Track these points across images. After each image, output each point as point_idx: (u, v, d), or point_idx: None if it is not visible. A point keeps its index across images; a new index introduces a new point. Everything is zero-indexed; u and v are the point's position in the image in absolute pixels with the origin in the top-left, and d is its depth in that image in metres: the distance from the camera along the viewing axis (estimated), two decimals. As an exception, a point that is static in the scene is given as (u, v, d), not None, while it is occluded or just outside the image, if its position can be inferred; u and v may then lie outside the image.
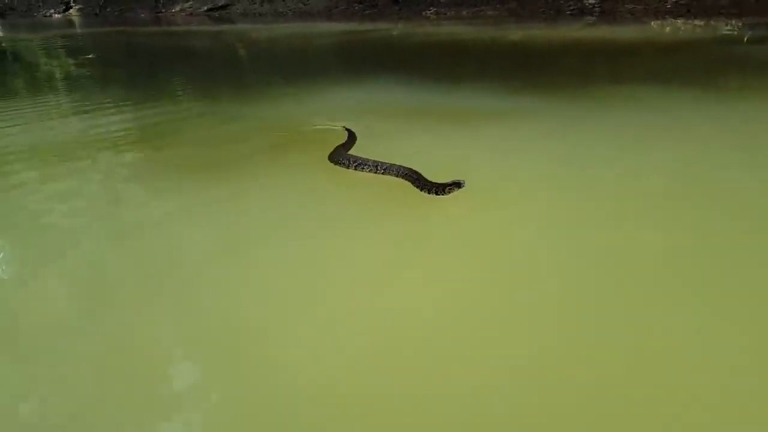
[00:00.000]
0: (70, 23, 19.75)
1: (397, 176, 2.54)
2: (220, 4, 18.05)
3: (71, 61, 8.55)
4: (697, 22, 10.00)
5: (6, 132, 3.65)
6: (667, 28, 9.50)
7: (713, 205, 2.15)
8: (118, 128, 3.63)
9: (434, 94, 4.45)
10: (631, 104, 3.80)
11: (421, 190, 2.35)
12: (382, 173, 2.58)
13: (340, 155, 2.73)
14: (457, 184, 2.26)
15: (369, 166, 2.62)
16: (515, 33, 9.41)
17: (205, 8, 18.33)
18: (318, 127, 3.41)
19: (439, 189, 2.30)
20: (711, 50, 6.88)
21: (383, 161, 2.61)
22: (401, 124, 3.39)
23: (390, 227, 2.09)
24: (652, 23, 10.13)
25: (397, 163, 2.56)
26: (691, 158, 2.69)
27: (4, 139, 3.45)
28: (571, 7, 10.95)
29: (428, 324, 1.48)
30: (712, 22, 9.71)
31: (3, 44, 12.61)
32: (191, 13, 18.43)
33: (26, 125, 3.86)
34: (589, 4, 10.79)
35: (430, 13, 12.78)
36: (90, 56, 9.01)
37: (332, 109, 3.85)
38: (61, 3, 25.35)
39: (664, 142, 2.94)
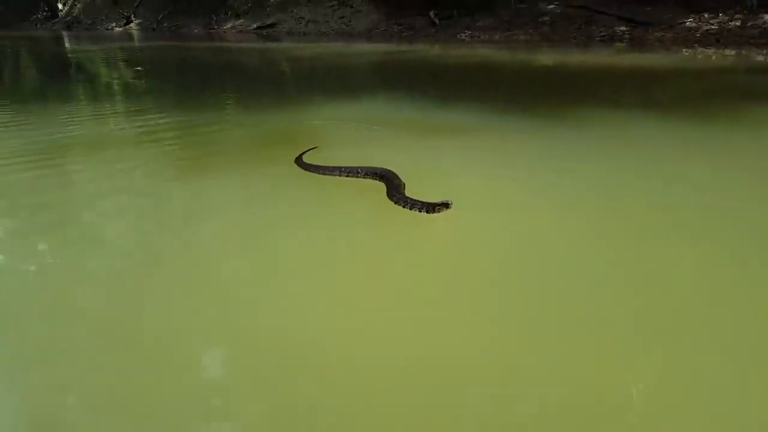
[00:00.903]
0: (129, 36, 21.13)
1: (365, 177, 2.80)
2: (268, 23, 19.05)
3: (127, 71, 9.39)
4: (727, 51, 10.13)
5: (65, 129, 4.30)
6: (699, 56, 9.66)
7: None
8: (167, 131, 4.21)
9: (462, 113, 4.77)
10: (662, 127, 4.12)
11: (404, 206, 2.42)
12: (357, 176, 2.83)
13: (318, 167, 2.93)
14: (446, 204, 2.32)
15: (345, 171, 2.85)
16: (547, 57, 9.73)
17: (254, 26, 19.37)
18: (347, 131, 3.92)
19: (429, 208, 2.36)
20: (742, 79, 7.09)
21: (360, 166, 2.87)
22: (434, 141, 3.75)
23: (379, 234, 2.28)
24: (684, 51, 10.29)
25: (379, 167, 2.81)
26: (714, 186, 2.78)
27: (61, 134, 4.10)
28: (602, 34, 11.24)
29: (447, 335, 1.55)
30: (743, 52, 9.83)
31: (68, 55, 13.71)
32: (241, 31, 19.49)
33: (83, 124, 4.52)
34: (620, 31, 11.06)
35: (465, 36, 13.27)
36: (140, 68, 9.83)
37: (359, 120, 4.35)
38: (122, 17, 27.08)
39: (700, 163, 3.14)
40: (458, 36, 13.52)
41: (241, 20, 20.69)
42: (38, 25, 34.65)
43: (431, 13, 15.29)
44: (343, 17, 17.52)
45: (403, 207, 2.42)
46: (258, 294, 1.80)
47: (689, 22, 10.92)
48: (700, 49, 10.19)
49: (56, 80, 8.96)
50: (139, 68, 9.75)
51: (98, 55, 13.05)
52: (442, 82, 7.32)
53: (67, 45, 17.67)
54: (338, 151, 3.34)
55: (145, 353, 1.48)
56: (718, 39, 10.14)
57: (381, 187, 2.68)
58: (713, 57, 9.29)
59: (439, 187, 2.61)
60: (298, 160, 3.11)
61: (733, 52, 9.80)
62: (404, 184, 2.63)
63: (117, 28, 26.12)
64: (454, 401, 1.29)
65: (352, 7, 17.93)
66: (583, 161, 3.19)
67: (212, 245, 2.19)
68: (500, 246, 2.11)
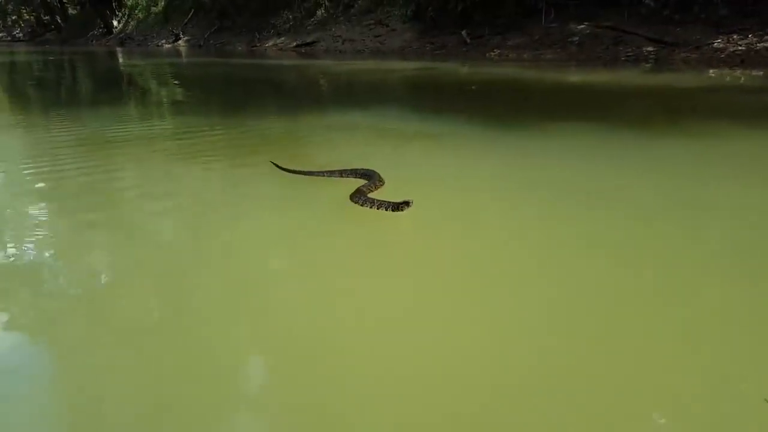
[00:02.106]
0: (177, 52, 22.33)
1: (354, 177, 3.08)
2: (307, 41, 19.88)
3: (173, 83, 10.13)
4: (755, 72, 10.19)
5: (115, 131, 4.89)
6: (727, 78, 9.78)
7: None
8: (208, 137, 4.75)
9: (490, 129, 5.10)
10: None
11: (370, 207, 2.64)
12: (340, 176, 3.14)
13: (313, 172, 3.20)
14: (406, 203, 2.53)
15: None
16: (575, 76, 10.00)
17: (294, 44, 20.23)
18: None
19: (396, 206, 2.57)
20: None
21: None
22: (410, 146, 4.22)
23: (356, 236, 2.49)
24: (710, 72, 10.40)
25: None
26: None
27: (111, 133, 4.69)
28: (628, 54, 11.45)
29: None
30: (769, 73, 9.89)
31: (120, 68, 14.71)
32: (282, 48, 20.38)
33: (132, 130, 5.12)
34: (646, 51, 11.24)
35: (494, 55, 13.65)
36: (185, 81, 10.57)
37: (381, 131, 4.80)
38: (171, 35, 28.53)
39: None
40: (487, 55, 13.91)
41: (283, 38, 21.62)
42: (94, 41, 36.71)
43: (463, 32, 15.74)
44: (378, 36, 18.16)
45: (370, 208, 2.64)
46: (294, 295, 1.91)
47: (717, 43, 11.03)
48: (727, 70, 10.28)
49: (108, 89, 9.76)
50: (184, 81, 10.49)
51: (148, 68, 14.00)
52: (461, 98, 7.72)
53: (120, 59, 18.87)
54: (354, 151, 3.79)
55: (180, 351, 1.57)
56: (743, 60, 10.23)
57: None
58: (741, 78, 9.40)
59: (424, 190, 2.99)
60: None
61: (760, 73, 9.87)
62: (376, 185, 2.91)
63: (166, 45, 27.55)
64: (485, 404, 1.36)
65: (387, 26, 18.57)
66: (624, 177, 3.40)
67: (249, 244, 2.36)
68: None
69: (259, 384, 1.47)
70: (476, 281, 2.01)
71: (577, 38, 13.19)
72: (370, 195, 2.80)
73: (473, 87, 8.71)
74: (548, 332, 1.66)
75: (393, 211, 2.57)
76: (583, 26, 13.49)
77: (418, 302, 1.85)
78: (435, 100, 7.72)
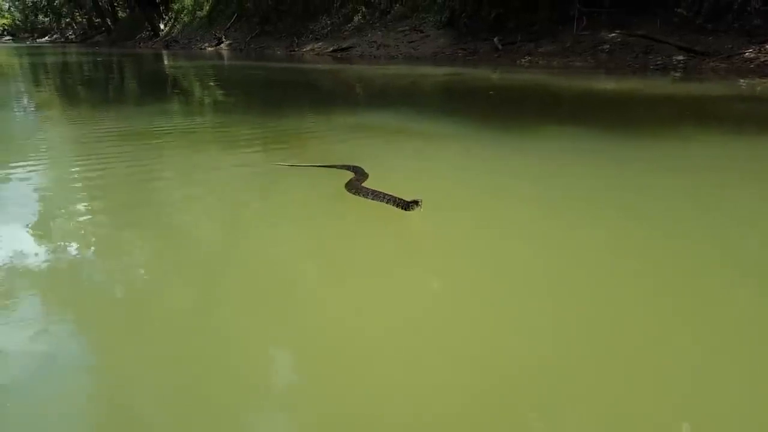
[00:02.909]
0: (219, 55, 23.27)
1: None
2: (343, 47, 20.47)
3: (215, 84, 10.77)
4: (786, 82, 10.17)
5: (158, 127, 5.43)
6: (758, 88, 9.81)
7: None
8: (247, 133, 5.24)
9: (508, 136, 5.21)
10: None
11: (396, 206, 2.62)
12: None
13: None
14: (416, 203, 2.52)
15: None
16: (606, 84, 10.13)
17: (331, 49, 20.85)
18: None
19: (406, 205, 2.57)
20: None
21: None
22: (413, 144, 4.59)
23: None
24: (741, 81, 10.42)
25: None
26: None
27: (155, 129, 5.22)
28: (657, 62, 11.54)
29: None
30: (803, 82, 9.86)
31: (166, 70, 15.55)
32: (318, 53, 21.03)
33: (176, 126, 5.66)
34: (675, 60, 11.32)
35: (524, 62, 13.89)
36: (226, 82, 11.19)
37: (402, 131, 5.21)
38: (214, 38, 29.62)
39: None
40: (518, 61, 14.16)
41: (320, 43, 22.29)
42: (141, 44, 38.27)
43: (496, 39, 16.02)
44: (412, 41, 18.59)
45: (374, 199, 2.70)
46: (324, 293, 1.99)
47: (748, 53, 11.03)
48: (757, 80, 10.29)
49: (153, 89, 10.46)
50: (224, 82, 11.13)
51: (191, 70, 14.80)
52: (483, 102, 8.05)
53: (165, 61, 19.85)
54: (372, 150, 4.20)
55: (212, 345, 1.63)
56: (773, 70, 10.24)
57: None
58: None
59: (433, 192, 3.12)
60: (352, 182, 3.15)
61: (791, 82, 9.87)
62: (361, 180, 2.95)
63: (209, 48, 28.64)
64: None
65: (422, 32, 18.98)
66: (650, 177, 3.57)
67: (280, 243, 2.45)
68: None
69: (287, 379, 1.52)
70: (503, 282, 2.06)
71: (607, 46, 13.31)
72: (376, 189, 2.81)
73: (491, 93, 9.04)
74: (591, 336, 1.69)
75: (403, 209, 2.56)
76: (614, 34, 13.60)
77: (445, 301, 1.90)
78: (459, 103, 8.08)
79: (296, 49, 22.99)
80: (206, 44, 29.83)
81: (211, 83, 11.16)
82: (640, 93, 8.76)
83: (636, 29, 13.36)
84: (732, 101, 7.95)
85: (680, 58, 11.63)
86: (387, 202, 2.66)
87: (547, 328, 1.72)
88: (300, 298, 1.94)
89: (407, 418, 1.33)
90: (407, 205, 2.54)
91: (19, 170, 3.76)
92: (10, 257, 2.27)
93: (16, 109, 7.40)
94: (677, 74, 11.07)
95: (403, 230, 2.59)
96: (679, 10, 12.79)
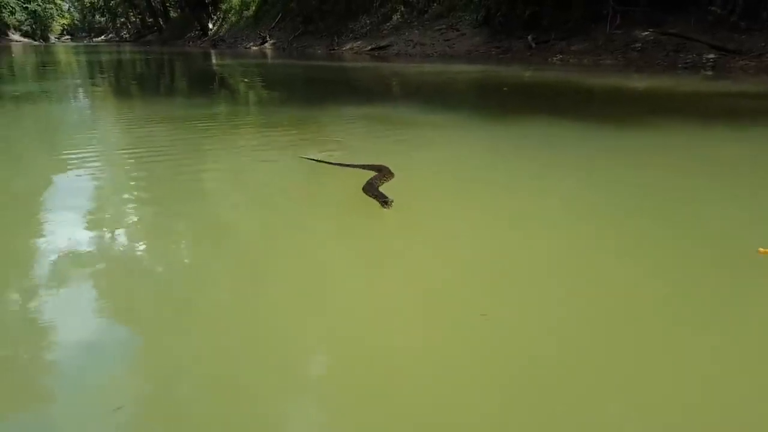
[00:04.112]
0: (263, 54, 24.29)
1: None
2: (381, 45, 21.08)
3: (259, 80, 11.54)
4: (816, 79, 10.14)
5: (205, 121, 6.10)
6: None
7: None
8: (285, 129, 5.80)
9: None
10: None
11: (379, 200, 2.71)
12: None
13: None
14: (385, 201, 2.64)
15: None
16: (639, 82, 10.27)
17: (369, 48, 21.51)
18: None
19: (384, 202, 2.66)
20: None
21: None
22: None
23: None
24: (771, 79, 10.41)
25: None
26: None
27: (202, 123, 5.89)
28: (687, 61, 11.64)
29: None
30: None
31: (213, 67, 16.51)
32: (357, 52, 21.71)
33: (220, 121, 6.33)
34: (705, 58, 11.40)
35: (556, 60, 14.14)
36: (267, 78, 11.93)
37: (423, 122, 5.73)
38: (259, 38, 30.78)
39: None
40: (549, 59, 14.42)
41: (359, 42, 22.96)
42: (190, 43, 39.92)
43: (529, 37, 16.28)
44: (447, 40, 19.02)
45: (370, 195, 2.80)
46: (361, 289, 2.01)
47: (780, 51, 11.01)
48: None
49: (201, 84, 11.31)
50: (267, 79, 11.88)
51: (237, 68, 15.72)
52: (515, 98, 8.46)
53: (212, 59, 20.93)
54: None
55: (252, 338, 1.67)
56: (804, 68, 10.22)
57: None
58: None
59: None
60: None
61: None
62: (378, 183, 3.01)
63: (254, 47, 29.78)
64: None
65: (458, 30, 19.38)
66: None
67: (319, 238, 2.51)
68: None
69: (323, 372, 1.55)
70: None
71: (639, 44, 13.43)
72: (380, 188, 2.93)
73: (505, 88, 9.45)
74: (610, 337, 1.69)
75: (381, 204, 2.66)
76: (647, 33, 13.69)
77: (483, 299, 1.90)
78: (487, 99, 8.52)
79: (336, 48, 23.76)
80: (251, 43, 31.00)
81: (253, 80, 11.95)
82: (674, 90, 8.98)
83: (670, 27, 13.41)
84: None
85: (711, 56, 11.69)
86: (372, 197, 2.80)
87: (574, 328, 1.73)
88: (335, 291, 1.99)
89: (448, 416, 1.34)
90: (385, 203, 2.65)
91: (74, 160, 3.97)
92: (63, 245, 2.34)
93: (73, 103, 8.18)
94: (708, 72, 11.14)
95: (433, 224, 2.66)
96: (713, 8, 12.78)
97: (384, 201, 2.64)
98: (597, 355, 1.58)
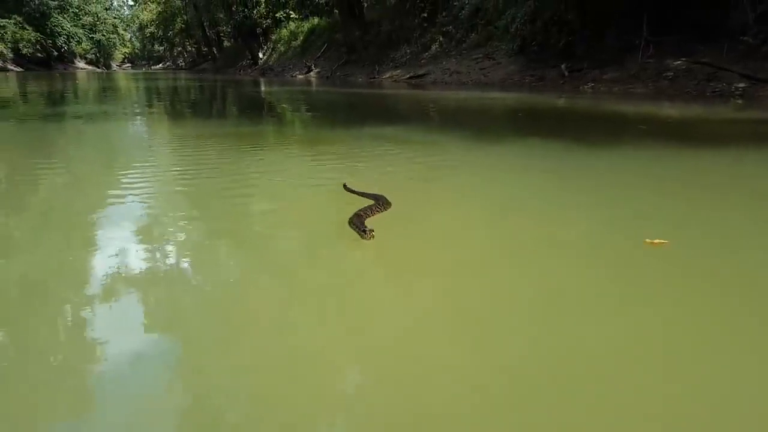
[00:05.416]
0: (308, 82, 25.52)
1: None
2: (418, 73, 21.86)
3: (304, 106, 12.37)
4: None
5: (249, 140, 6.79)
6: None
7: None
8: (326, 151, 6.39)
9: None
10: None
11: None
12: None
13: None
14: (365, 232, 2.63)
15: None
16: (669, 110, 10.43)
17: (407, 76, 22.32)
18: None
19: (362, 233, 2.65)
20: None
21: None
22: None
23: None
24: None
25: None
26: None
27: (246, 140, 6.56)
28: (715, 90, 11.80)
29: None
30: None
31: (261, 95, 17.58)
32: (395, 80, 22.56)
33: (262, 143, 7.00)
34: (734, 87, 11.54)
35: (587, 88, 14.47)
36: (311, 104, 12.75)
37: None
38: (304, 66, 32.24)
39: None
40: (581, 88, 14.75)
41: (399, 71, 23.84)
42: (241, 71, 41.99)
43: (563, 66, 16.66)
44: (483, 69, 19.60)
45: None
46: (394, 306, 2.06)
47: (812, 80, 11.04)
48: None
49: (250, 109, 12.22)
50: (311, 105, 12.73)
51: (284, 94, 16.77)
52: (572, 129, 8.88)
53: (261, 87, 22.20)
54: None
55: (288, 351, 1.73)
56: (833, 97, 10.23)
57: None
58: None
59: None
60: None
61: None
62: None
63: (299, 75, 31.21)
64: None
65: (493, 59, 19.94)
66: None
67: (355, 257, 2.57)
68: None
69: (355, 386, 1.60)
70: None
71: (671, 73, 13.62)
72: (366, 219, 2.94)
73: (519, 114, 9.88)
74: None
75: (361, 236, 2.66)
76: (679, 62, 13.88)
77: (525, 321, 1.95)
78: (521, 124, 8.98)
79: (376, 77, 24.72)
80: (297, 72, 32.48)
81: (302, 106, 12.83)
82: (706, 118, 9.20)
83: (701, 57, 13.56)
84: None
85: (741, 85, 11.80)
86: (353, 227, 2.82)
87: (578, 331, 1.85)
88: (373, 308, 2.05)
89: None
90: (364, 233, 2.65)
91: (128, 178, 4.28)
92: (114, 260, 2.48)
93: (130, 124, 9.06)
94: (738, 101, 11.22)
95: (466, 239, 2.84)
96: (745, 38, 12.89)
97: (363, 231, 2.64)
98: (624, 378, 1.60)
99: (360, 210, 3.03)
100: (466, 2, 23.37)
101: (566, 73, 16.37)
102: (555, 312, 1.99)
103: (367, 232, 2.60)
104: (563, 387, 1.54)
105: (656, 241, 2.54)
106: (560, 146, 6.13)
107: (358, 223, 2.76)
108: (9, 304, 2.09)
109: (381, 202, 3.24)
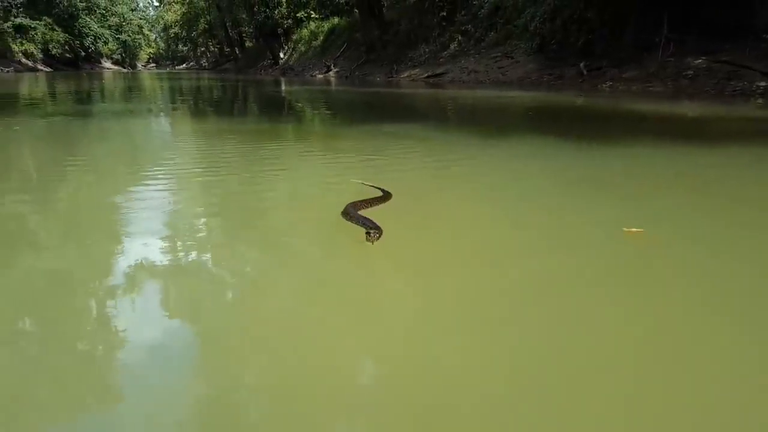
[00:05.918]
0: (327, 81, 25.81)
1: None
2: (436, 72, 21.96)
3: (322, 104, 12.58)
4: None
5: (269, 138, 6.99)
6: None
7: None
8: (343, 150, 6.52)
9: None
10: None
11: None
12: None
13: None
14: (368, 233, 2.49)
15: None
16: (691, 109, 10.40)
17: (425, 75, 22.43)
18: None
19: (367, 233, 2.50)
20: None
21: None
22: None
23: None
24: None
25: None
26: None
27: (266, 139, 6.76)
28: (735, 89, 11.70)
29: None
30: None
31: (282, 94, 17.88)
32: (413, 79, 22.68)
33: (288, 141, 7.21)
34: (755, 86, 11.43)
35: (606, 87, 14.43)
36: (329, 102, 12.96)
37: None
38: (324, 66, 32.55)
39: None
40: (599, 86, 14.71)
41: (417, 70, 23.96)
42: (262, 71, 42.50)
43: (582, 64, 16.60)
44: (501, 67, 19.61)
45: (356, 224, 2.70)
46: (411, 306, 2.04)
47: (835, 78, 10.87)
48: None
49: (271, 107, 12.48)
50: (329, 103, 12.93)
51: (303, 93, 17.04)
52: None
53: (282, 86, 22.52)
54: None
55: (310, 355, 1.69)
56: None
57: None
58: None
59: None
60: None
61: None
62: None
63: (319, 75, 31.52)
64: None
65: (512, 57, 19.94)
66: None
67: (378, 259, 2.48)
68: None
69: (372, 384, 1.59)
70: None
71: (690, 72, 13.50)
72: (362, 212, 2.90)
73: (530, 112, 9.96)
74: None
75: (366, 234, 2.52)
76: (699, 61, 13.75)
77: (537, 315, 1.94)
78: (534, 122, 9.05)
79: (394, 76, 24.87)
80: (317, 71, 32.80)
81: (320, 104, 13.05)
82: (726, 116, 9.12)
83: (723, 56, 13.42)
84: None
85: (762, 83, 11.67)
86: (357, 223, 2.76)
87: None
88: (393, 306, 2.05)
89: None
90: (368, 234, 2.52)
91: (151, 174, 4.35)
92: (137, 254, 2.51)
93: (154, 124, 9.22)
94: (759, 100, 11.11)
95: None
96: (765, 35, 12.74)
97: (368, 233, 2.50)
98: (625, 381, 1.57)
99: (359, 201, 3.05)
100: (486, 1, 23.38)
101: (585, 72, 16.30)
102: (567, 308, 1.98)
103: (372, 234, 2.47)
104: (572, 381, 1.54)
105: (633, 229, 2.63)
106: (577, 144, 6.19)
107: (368, 222, 2.66)
108: (36, 294, 2.14)
109: (381, 197, 3.28)
